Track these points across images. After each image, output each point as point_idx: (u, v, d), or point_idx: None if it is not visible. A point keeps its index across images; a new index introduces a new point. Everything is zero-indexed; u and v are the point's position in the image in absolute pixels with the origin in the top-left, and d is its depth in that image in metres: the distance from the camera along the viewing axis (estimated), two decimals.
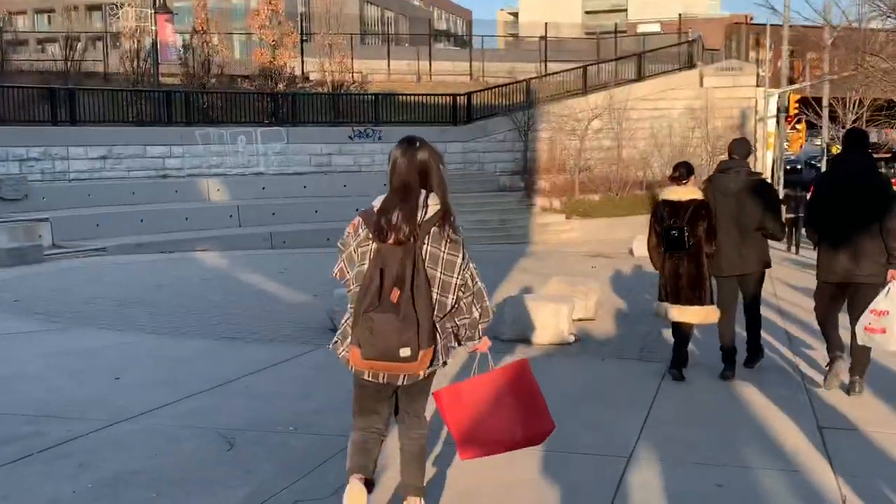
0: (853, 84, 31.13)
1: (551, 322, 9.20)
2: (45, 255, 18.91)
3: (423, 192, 4.12)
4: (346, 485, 4.19)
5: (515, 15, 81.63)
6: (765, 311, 8.40)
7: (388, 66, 38.79)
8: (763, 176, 8.40)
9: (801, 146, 42.95)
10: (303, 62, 34.24)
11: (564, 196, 28.33)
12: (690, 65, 35.79)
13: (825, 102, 36.76)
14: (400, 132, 24.50)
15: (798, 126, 41.12)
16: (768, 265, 7.88)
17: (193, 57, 31.70)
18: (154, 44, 30.15)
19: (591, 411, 6.51)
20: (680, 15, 46.30)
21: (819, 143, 59.25)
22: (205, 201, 25.70)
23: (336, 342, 4.28)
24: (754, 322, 7.96)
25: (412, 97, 31.18)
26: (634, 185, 29.30)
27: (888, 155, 47.84)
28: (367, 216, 4.13)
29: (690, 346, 8.67)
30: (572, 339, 9.34)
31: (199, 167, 26.83)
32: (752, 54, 42.82)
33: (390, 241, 4.02)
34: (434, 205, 4.10)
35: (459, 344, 4.26)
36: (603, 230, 26.49)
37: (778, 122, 37.30)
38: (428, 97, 31.18)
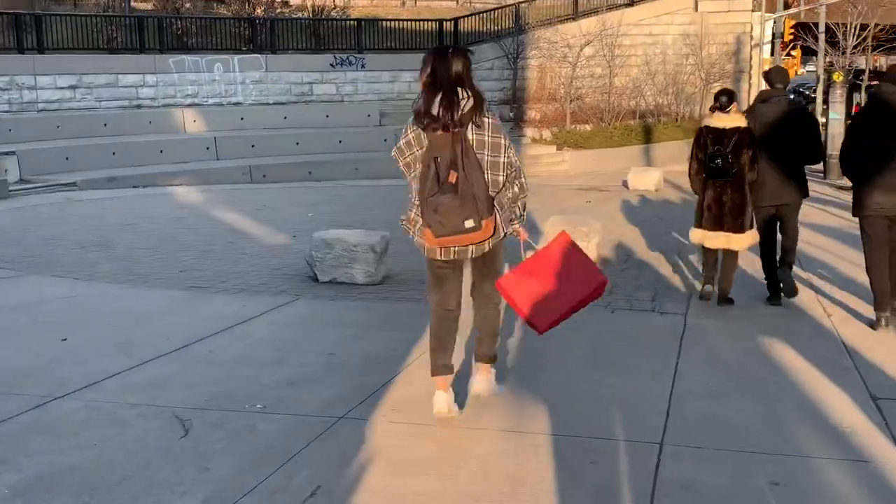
0: (857, 7, 29.92)
1: None
2: (11, 191, 17.91)
3: (458, 88, 4.58)
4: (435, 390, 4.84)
5: None
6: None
7: None
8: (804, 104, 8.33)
9: (795, 73, 41.81)
10: None
11: (555, 126, 27.23)
12: None
13: (821, 28, 35.52)
14: (384, 60, 23.01)
15: (793, 53, 39.94)
16: (807, 195, 7.86)
17: None
18: None
19: (607, 380, 5.62)
20: None
21: (813, 69, 57.96)
22: (180, 133, 24.49)
23: (406, 229, 4.84)
24: (790, 254, 7.90)
25: (397, 23, 29.78)
26: (627, 115, 28.21)
27: (877, 82, 46.70)
28: (417, 111, 4.66)
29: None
30: None
31: (174, 97, 25.51)
32: None
33: (437, 130, 4.55)
34: (469, 97, 4.59)
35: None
36: (595, 161, 25.50)
37: (773, 49, 36.13)
38: (413, 23, 29.78)
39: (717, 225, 7.56)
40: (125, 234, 12.36)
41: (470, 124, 4.56)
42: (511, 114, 28.21)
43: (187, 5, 29.73)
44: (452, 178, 4.48)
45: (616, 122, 27.41)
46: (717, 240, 7.61)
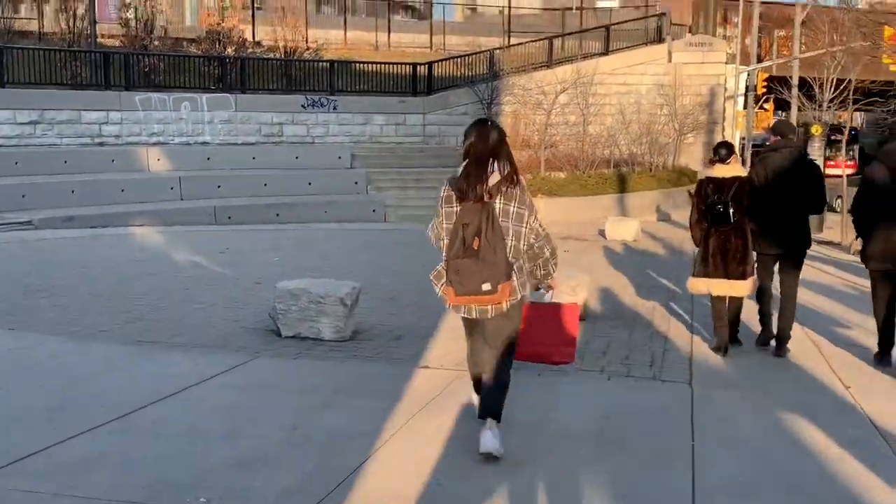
0: (828, 63, 29.83)
1: None
2: None
3: (493, 160, 4.95)
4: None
5: None
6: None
7: (345, 35, 36.59)
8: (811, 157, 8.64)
9: (768, 126, 41.81)
10: (254, 27, 32.05)
11: (529, 173, 26.62)
12: (659, 39, 34.38)
13: (794, 81, 35.60)
14: (357, 102, 22.48)
15: (766, 105, 40.01)
16: (809, 245, 8.00)
17: (136, 16, 29.34)
18: (92, 1, 27.85)
19: (616, 469, 4.83)
20: None
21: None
22: (144, 172, 23.62)
23: (433, 281, 5.13)
24: (791, 303, 7.90)
25: (370, 65, 29.23)
26: (601, 164, 27.72)
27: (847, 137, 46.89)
28: (452, 181, 5.06)
29: (718, 362, 7.30)
30: None
31: (139, 135, 24.72)
32: (720, 31, 41.53)
33: (470, 200, 4.90)
34: (502, 170, 4.93)
35: (538, 286, 5.28)
36: (570, 210, 24.91)
37: (746, 101, 36.14)
38: (386, 66, 29.24)
39: (722, 272, 7.62)
40: (76, 278, 11.49)
41: (499, 196, 4.91)
42: None
43: (156, 43, 28.99)
44: (475, 244, 4.84)
45: (590, 171, 26.89)
46: (721, 286, 7.67)
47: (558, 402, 6.07)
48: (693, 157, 32.67)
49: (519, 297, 5.03)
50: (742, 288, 7.65)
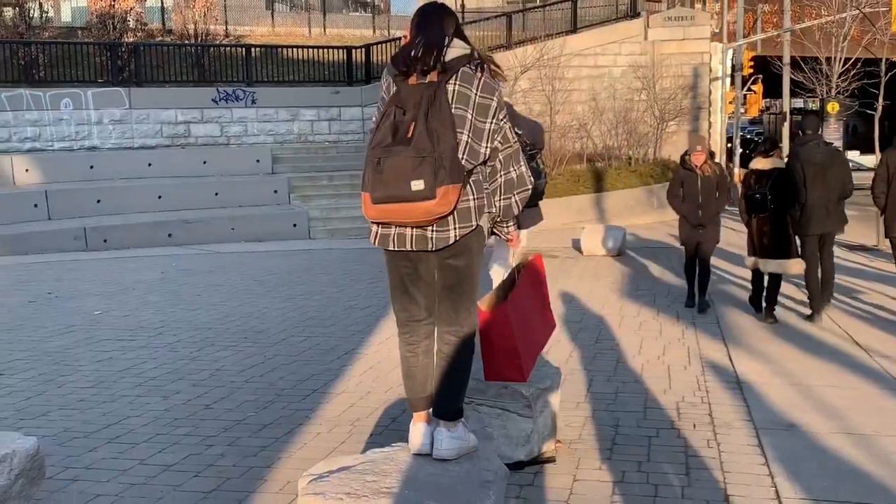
0: (836, 32, 25.68)
1: None
2: None
3: (449, 36, 3.60)
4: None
5: None
6: None
7: (273, 26, 31.51)
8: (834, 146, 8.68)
9: (759, 109, 37.71)
10: (163, 9, 27.42)
11: None
12: (634, 14, 30.11)
13: (786, 59, 31.53)
14: (280, 94, 14.75)
15: (754, 87, 35.89)
16: (846, 222, 8.88)
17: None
18: None
19: None
20: None
21: (763, 109, 53.97)
22: (8, 186, 18.94)
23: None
24: (830, 284, 8.80)
25: (297, 51, 24.55)
26: (573, 158, 23.42)
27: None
28: (394, 57, 3.68)
29: None
30: None
31: (8, 140, 20.11)
32: (699, 6, 37.30)
33: (412, 77, 3.50)
34: (461, 48, 3.58)
35: (492, 230, 3.69)
36: None
37: (733, 82, 32.14)
38: (317, 51, 24.64)
39: (763, 253, 8.53)
40: None
41: (455, 76, 3.44)
42: None
43: (46, 33, 24.36)
44: (410, 131, 3.32)
45: (560, 167, 22.52)
46: (768, 265, 8.49)
47: None
48: (677, 147, 28.30)
49: (474, 224, 3.43)
50: (778, 266, 8.42)
